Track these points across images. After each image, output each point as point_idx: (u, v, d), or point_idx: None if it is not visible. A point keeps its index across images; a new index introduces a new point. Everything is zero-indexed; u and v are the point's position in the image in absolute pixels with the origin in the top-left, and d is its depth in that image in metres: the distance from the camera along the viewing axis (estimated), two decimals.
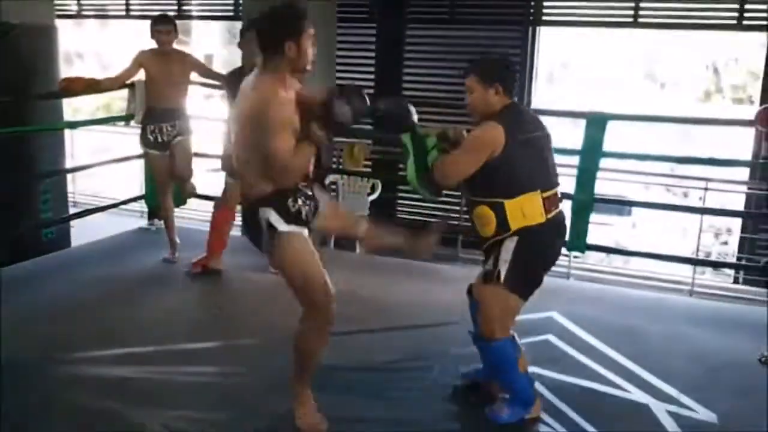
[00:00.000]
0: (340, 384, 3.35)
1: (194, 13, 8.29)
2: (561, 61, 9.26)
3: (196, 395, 3.23)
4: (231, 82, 4.70)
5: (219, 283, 4.74)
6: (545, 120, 3.08)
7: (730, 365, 3.66)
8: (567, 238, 4.54)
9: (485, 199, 2.87)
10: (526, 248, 2.85)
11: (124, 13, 8.51)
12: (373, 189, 6.78)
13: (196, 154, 5.22)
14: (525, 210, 2.83)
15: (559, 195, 2.99)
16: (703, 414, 3.18)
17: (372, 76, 7.33)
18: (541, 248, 2.92)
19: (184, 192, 5.18)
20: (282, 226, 2.67)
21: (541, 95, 7.53)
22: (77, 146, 8.06)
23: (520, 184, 2.84)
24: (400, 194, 7.52)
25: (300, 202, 2.71)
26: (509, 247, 2.85)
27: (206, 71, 5.10)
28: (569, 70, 9.68)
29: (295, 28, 2.60)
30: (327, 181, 6.60)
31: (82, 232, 5.89)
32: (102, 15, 9.18)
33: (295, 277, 2.76)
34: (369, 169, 7.33)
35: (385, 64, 7.27)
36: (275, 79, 2.61)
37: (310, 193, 2.80)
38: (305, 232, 2.76)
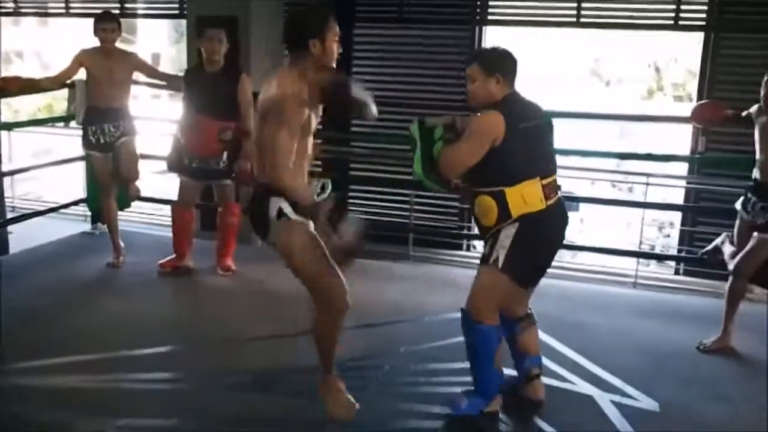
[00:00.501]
0: (288, 387, 3.35)
1: (138, 11, 8.15)
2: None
3: (146, 402, 3.20)
4: (189, 80, 4.68)
5: (167, 286, 4.69)
6: None
7: (672, 354, 3.77)
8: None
9: (486, 189, 2.91)
10: (526, 235, 2.88)
11: (64, 10, 8.31)
12: (323, 188, 6.74)
13: (142, 156, 5.15)
14: (525, 197, 2.87)
15: (557, 182, 3.03)
16: (646, 403, 3.27)
17: None
18: (541, 235, 2.94)
19: (128, 194, 5.10)
20: (292, 215, 2.75)
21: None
22: (17, 149, 7.86)
23: (520, 171, 2.87)
24: (352, 193, 7.51)
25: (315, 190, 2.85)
26: (509, 233, 2.88)
27: (151, 71, 5.04)
28: (519, 69, 9.82)
29: (320, 26, 2.74)
30: None
31: (22, 238, 5.72)
32: (41, 12, 8.95)
33: (302, 266, 2.83)
34: (319, 169, 7.29)
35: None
36: (297, 76, 2.74)
37: (321, 186, 2.91)
38: (311, 224, 2.83)
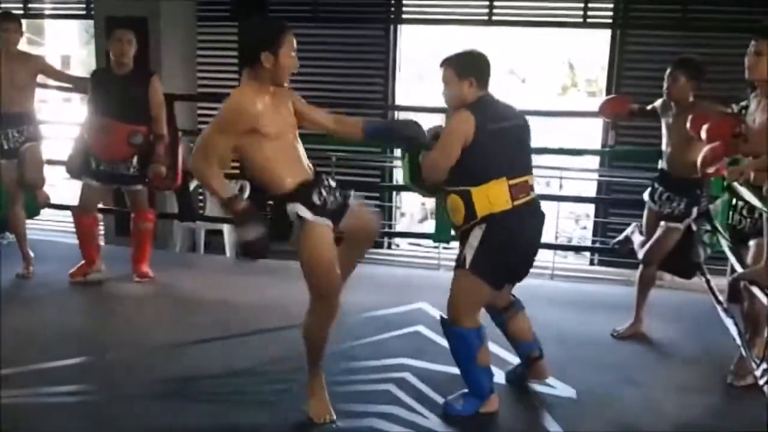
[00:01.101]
0: (209, 392, 3.29)
1: (44, 12, 7.87)
2: (432, 58, 9.48)
3: (57, 417, 3.07)
4: (95, 82, 4.51)
5: (80, 296, 4.54)
6: (411, 116, 3.14)
7: (587, 342, 3.87)
8: (434, 230, 4.68)
9: (455, 188, 2.95)
10: (493, 235, 2.90)
11: None
12: (241, 190, 6.67)
13: (52, 161, 4.98)
14: (491, 197, 2.89)
15: (530, 183, 3.03)
16: (563, 390, 3.34)
17: (235, 76, 7.20)
18: (507, 235, 2.94)
19: (37, 201, 4.91)
20: (309, 216, 2.78)
21: (411, 93, 7.66)
22: None
23: (486, 171, 2.90)
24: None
25: (324, 193, 2.85)
26: (477, 234, 2.92)
27: (57, 74, 4.86)
28: (435, 69, 9.92)
29: (273, 38, 2.68)
30: (192, 187, 6.44)
31: None
32: None
33: (307, 264, 2.85)
34: (237, 171, 7.20)
35: None
36: (252, 88, 2.73)
37: (333, 184, 2.89)
38: (329, 223, 2.85)
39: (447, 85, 2.99)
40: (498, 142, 2.91)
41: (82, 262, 4.69)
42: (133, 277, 4.74)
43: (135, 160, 4.52)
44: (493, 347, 3.58)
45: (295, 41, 2.77)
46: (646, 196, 4.03)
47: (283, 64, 2.71)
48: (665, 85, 3.78)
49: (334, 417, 3.03)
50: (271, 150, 2.78)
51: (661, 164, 3.94)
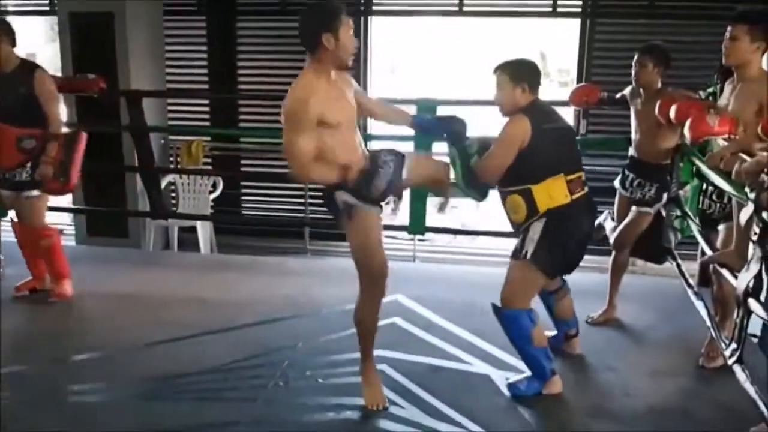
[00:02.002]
0: (185, 390, 3.28)
1: (6, 8, 7.71)
2: (404, 51, 9.47)
3: (33, 417, 3.04)
4: None
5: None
6: None
7: None
8: (409, 222, 4.69)
9: (515, 188, 3.13)
10: (554, 227, 3.07)
11: None
12: (214, 186, 6.64)
13: None
14: (551, 193, 3.07)
15: (583, 179, 3.19)
16: None
17: (205, 71, 7.16)
18: (567, 227, 3.11)
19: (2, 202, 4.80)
20: (357, 204, 2.87)
21: (384, 85, 7.64)
22: None
23: (545, 169, 3.08)
24: (244, 190, 7.41)
25: (381, 180, 2.89)
26: (537, 227, 3.08)
27: None
28: (413, 60, 9.93)
29: (332, 19, 2.71)
30: (165, 182, 6.40)
31: None
32: None
33: (358, 250, 2.95)
34: (209, 167, 7.17)
35: (217, 58, 7.11)
36: (314, 75, 2.77)
37: (380, 170, 2.89)
38: (377, 210, 2.95)
39: (501, 90, 3.16)
40: (553, 141, 3.11)
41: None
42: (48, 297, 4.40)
43: (29, 165, 4.11)
44: (488, 347, 3.67)
45: (352, 21, 2.82)
46: (617, 183, 4.06)
47: (345, 44, 2.76)
48: (633, 71, 3.81)
49: (387, 404, 3.10)
50: (330, 138, 2.81)
51: (631, 151, 3.98)
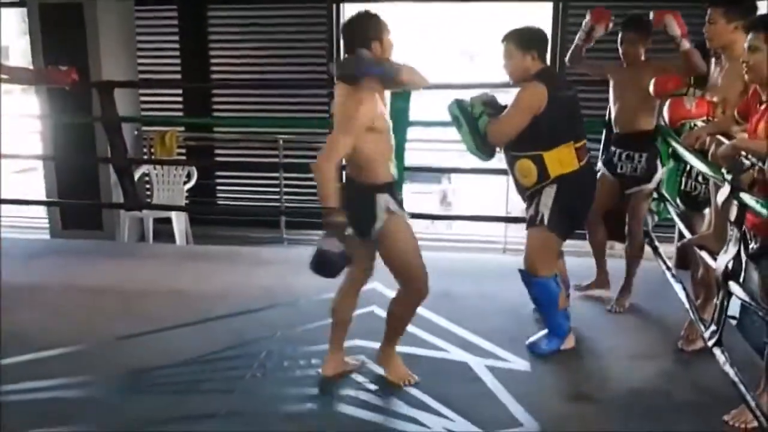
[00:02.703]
0: (162, 383, 3.24)
1: None
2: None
3: (9, 413, 2.96)
4: None
5: (26, 292, 4.38)
6: None
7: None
8: None
9: (526, 153, 3.24)
10: (565, 193, 3.24)
11: None
12: (189, 177, 6.58)
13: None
14: (562, 159, 3.21)
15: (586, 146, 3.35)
16: (518, 363, 3.38)
17: (177, 61, 7.06)
18: (578, 191, 3.31)
19: None
20: (398, 211, 2.98)
21: None
22: None
23: (557, 137, 3.21)
24: (219, 180, 7.34)
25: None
26: (549, 192, 3.24)
27: None
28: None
29: (380, 28, 2.88)
30: (139, 174, 6.32)
31: None
32: None
33: (400, 257, 3.02)
34: (183, 157, 7.09)
35: (189, 47, 7.01)
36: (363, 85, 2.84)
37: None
38: (408, 218, 3.07)
39: (510, 59, 3.25)
40: (566, 109, 3.24)
41: None
42: None
43: None
44: (466, 334, 3.66)
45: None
46: (601, 165, 4.02)
47: (388, 51, 2.91)
48: (621, 49, 3.79)
49: (416, 378, 3.19)
50: (375, 143, 2.89)
51: (615, 128, 3.93)
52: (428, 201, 8.35)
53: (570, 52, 4.02)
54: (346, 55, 2.93)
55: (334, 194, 2.83)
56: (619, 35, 3.80)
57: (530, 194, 3.33)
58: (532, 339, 3.50)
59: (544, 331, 3.48)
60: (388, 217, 2.95)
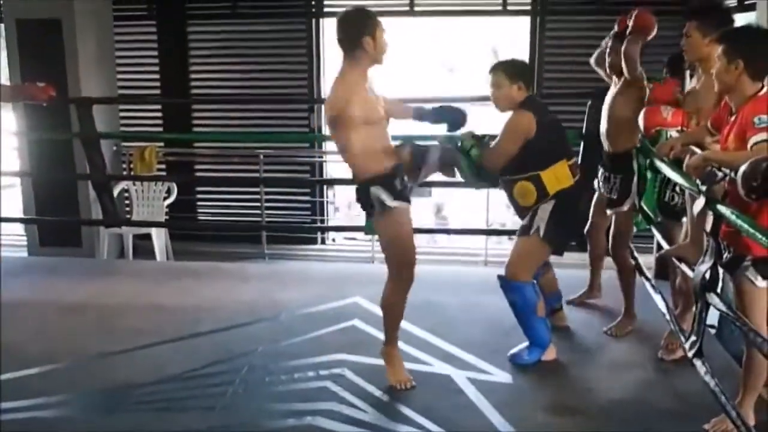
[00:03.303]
0: (142, 400, 3.21)
1: None
2: None
3: None
4: None
5: (3, 309, 4.35)
6: None
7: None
8: (365, 223, 4.71)
9: (523, 175, 3.39)
10: (562, 207, 3.38)
11: None
12: (168, 192, 6.55)
13: None
14: (558, 176, 3.38)
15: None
16: (500, 376, 3.39)
17: (157, 76, 7.06)
18: (573, 206, 3.48)
19: None
20: (390, 201, 3.06)
21: None
22: None
23: (551, 156, 3.38)
24: (199, 195, 7.33)
25: (405, 180, 3.15)
26: (546, 207, 3.38)
27: None
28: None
29: (372, 23, 2.96)
30: (118, 189, 6.28)
31: None
32: None
33: (392, 244, 3.16)
34: (163, 173, 7.07)
35: (169, 62, 7.02)
36: (353, 76, 3.01)
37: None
38: (408, 206, 3.16)
39: (498, 89, 3.42)
40: (554, 131, 3.45)
41: None
42: None
43: None
44: (448, 347, 3.67)
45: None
46: (596, 184, 3.99)
47: (382, 46, 3.00)
48: (607, 60, 3.75)
49: (413, 382, 3.26)
50: (366, 135, 3.01)
51: (605, 146, 3.82)
52: (420, 214, 8.33)
53: (597, 53, 3.95)
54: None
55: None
56: (608, 46, 3.75)
57: (522, 210, 3.48)
58: (513, 350, 3.53)
59: (526, 343, 3.52)
60: (381, 208, 3.07)
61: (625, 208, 3.73)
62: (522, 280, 3.43)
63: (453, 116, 3.34)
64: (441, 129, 3.40)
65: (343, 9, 3.06)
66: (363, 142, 3.01)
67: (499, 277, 3.49)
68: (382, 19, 3.03)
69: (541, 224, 3.37)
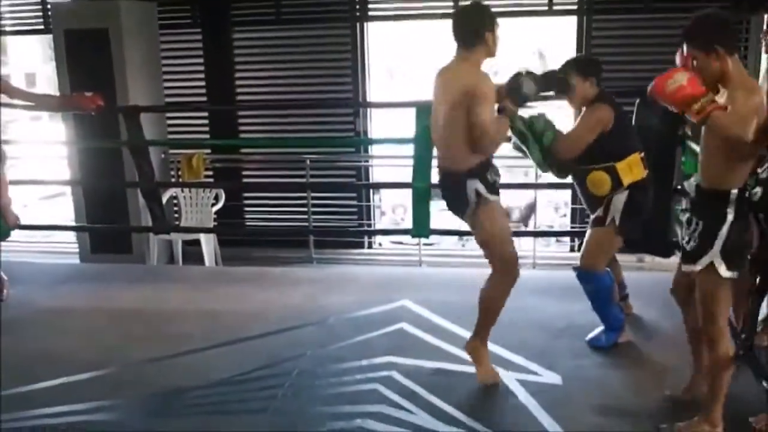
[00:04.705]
0: (193, 404, 3.25)
1: (2, 28, 7.69)
2: (401, 55, 9.45)
3: None
4: None
5: (58, 316, 4.42)
6: (382, 112, 3.22)
7: (569, 329, 3.86)
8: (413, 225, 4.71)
9: (599, 165, 3.48)
10: (637, 199, 3.49)
11: None
12: (216, 199, 6.62)
13: (22, 181, 4.86)
14: (632, 168, 3.48)
15: None
16: (549, 377, 3.35)
17: (203, 83, 7.14)
18: (647, 197, 3.54)
19: (6, 222, 4.79)
20: (489, 195, 3.13)
21: (383, 89, 7.61)
22: None
23: (626, 148, 3.49)
24: (246, 201, 7.39)
25: (495, 173, 3.21)
26: (621, 198, 3.47)
27: (16, 92, 4.68)
28: (410, 64, 9.90)
29: (492, 19, 3.10)
30: (167, 196, 6.37)
31: None
32: None
33: (495, 239, 3.20)
34: (211, 180, 7.15)
35: (214, 69, 7.09)
36: (478, 65, 3.11)
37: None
38: (500, 198, 3.22)
39: (574, 86, 3.51)
40: (627, 125, 3.61)
41: None
42: None
43: None
44: (497, 349, 3.61)
45: None
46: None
47: (498, 39, 3.14)
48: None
49: (500, 378, 3.30)
50: (493, 117, 3.09)
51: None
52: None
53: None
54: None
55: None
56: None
57: (594, 201, 3.56)
58: (591, 335, 3.67)
59: (601, 327, 3.65)
60: (481, 202, 3.12)
61: (698, 267, 2.64)
62: (599, 270, 3.55)
63: (555, 84, 3.42)
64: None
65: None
66: (494, 120, 3.07)
67: (576, 268, 3.62)
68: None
69: (617, 215, 3.47)
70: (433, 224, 4.75)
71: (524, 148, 3.61)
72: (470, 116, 3.01)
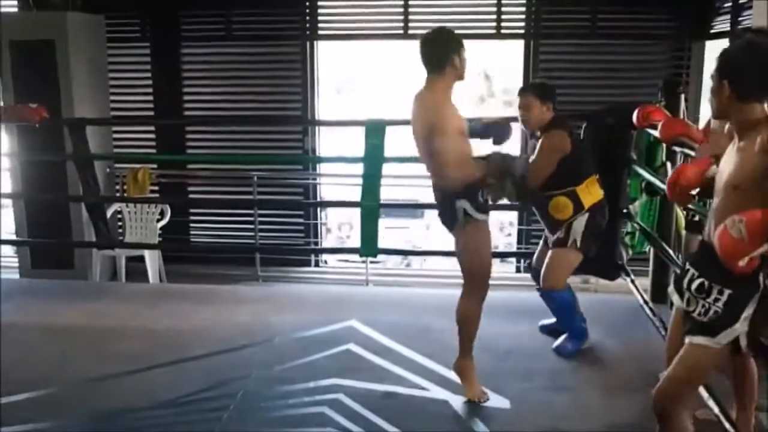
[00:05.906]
0: (136, 427, 3.18)
1: None
2: (350, 73, 9.47)
3: None
4: None
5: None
6: (331, 130, 3.22)
7: (516, 351, 3.89)
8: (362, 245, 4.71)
9: (560, 191, 3.64)
10: (596, 219, 3.68)
11: None
12: (162, 214, 6.52)
13: None
14: (591, 191, 3.67)
15: None
16: (497, 401, 3.36)
17: (150, 98, 7.05)
18: (604, 217, 3.75)
19: None
20: (476, 214, 3.16)
21: (330, 107, 7.61)
22: None
23: (584, 172, 3.67)
24: (192, 217, 7.30)
25: (485, 194, 3.31)
26: (581, 221, 3.65)
27: None
28: (359, 82, 9.93)
29: (459, 43, 3.15)
30: (111, 211, 6.26)
31: None
32: None
33: (475, 257, 3.26)
34: (156, 195, 7.05)
35: (162, 84, 7.02)
36: (446, 93, 3.15)
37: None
38: (488, 217, 3.26)
39: (529, 110, 3.68)
40: (584, 148, 3.82)
41: None
42: None
43: None
44: (444, 371, 3.62)
45: None
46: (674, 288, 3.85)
47: (465, 63, 3.18)
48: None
49: (488, 396, 3.35)
50: (460, 145, 3.14)
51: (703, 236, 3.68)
52: (408, 235, 8.35)
53: None
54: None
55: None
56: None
57: (555, 223, 3.70)
58: (557, 343, 3.83)
59: (565, 335, 3.82)
60: (466, 220, 3.17)
61: (722, 342, 2.22)
62: (561, 288, 3.72)
63: (500, 132, 3.49)
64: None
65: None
66: (459, 151, 3.12)
67: (539, 289, 3.81)
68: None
69: (577, 237, 3.65)
70: (380, 243, 4.76)
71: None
72: (433, 147, 3.11)
